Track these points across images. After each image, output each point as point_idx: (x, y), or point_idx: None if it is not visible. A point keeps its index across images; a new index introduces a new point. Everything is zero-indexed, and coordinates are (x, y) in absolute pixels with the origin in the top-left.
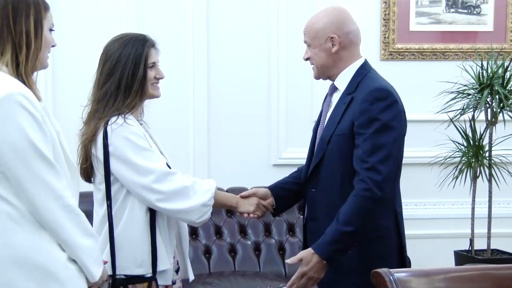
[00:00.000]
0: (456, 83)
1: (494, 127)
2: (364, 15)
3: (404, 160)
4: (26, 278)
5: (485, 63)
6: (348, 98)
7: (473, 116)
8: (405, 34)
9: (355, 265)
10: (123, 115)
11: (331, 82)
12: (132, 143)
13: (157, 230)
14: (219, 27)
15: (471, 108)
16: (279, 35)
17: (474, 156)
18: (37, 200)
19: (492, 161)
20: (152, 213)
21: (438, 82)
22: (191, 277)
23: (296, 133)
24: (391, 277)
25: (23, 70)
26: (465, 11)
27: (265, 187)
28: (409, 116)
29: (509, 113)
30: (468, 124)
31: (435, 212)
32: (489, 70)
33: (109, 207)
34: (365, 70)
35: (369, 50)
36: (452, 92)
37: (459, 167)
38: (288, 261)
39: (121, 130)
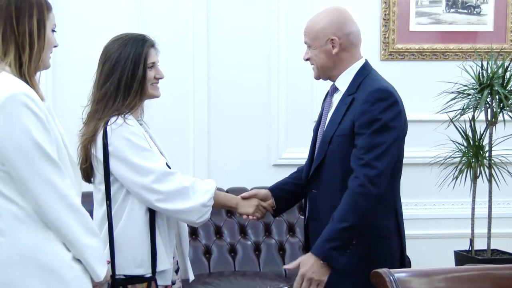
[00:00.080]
0: (456, 83)
1: (494, 127)
2: (364, 15)
3: (404, 160)
4: (31, 278)
5: (485, 63)
6: (349, 99)
7: (473, 116)
8: (405, 34)
9: (356, 266)
10: (123, 115)
11: (331, 82)
12: (131, 143)
13: (156, 230)
14: (219, 27)
15: (471, 108)
16: (279, 35)
17: (474, 156)
18: (42, 199)
19: (492, 161)
20: (152, 213)
21: (438, 82)
22: (191, 277)
23: (296, 133)
24: (391, 277)
25: (26, 70)
26: (465, 11)
27: (266, 188)
28: (409, 116)
29: (509, 113)
30: (468, 124)
31: (435, 212)
32: (489, 70)
33: (109, 207)
34: (366, 71)
35: (369, 50)
36: (452, 92)
37: (459, 167)
38: (286, 266)
39: (121, 130)
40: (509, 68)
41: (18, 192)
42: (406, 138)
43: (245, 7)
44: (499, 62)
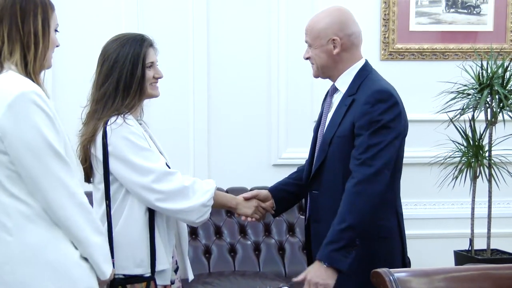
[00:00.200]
0: (456, 83)
1: (494, 127)
2: (364, 15)
3: (404, 160)
4: (40, 276)
5: (485, 63)
6: (349, 100)
7: (473, 116)
8: (405, 34)
9: (357, 266)
10: (122, 115)
11: (331, 82)
12: (131, 143)
13: (156, 230)
14: (219, 27)
15: (471, 108)
16: (279, 35)
17: (474, 156)
18: (52, 197)
19: (492, 161)
20: (151, 213)
21: (438, 82)
22: (191, 276)
23: (296, 133)
24: (391, 277)
25: (32, 70)
26: (465, 11)
27: (266, 188)
28: (409, 116)
29: (509, 113)
30: (468, 124)
31: (435, 212)
32: (489, 70)
33: (108, 206)
34: (366, 71)
35: (369, 50)
36: (452, 92)
37: (459, 167)
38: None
39: (121, 130)
40: (509, 68)
41: (27, 191)
42: (406, 138)
43: (245, 7)
44: (499, 62)
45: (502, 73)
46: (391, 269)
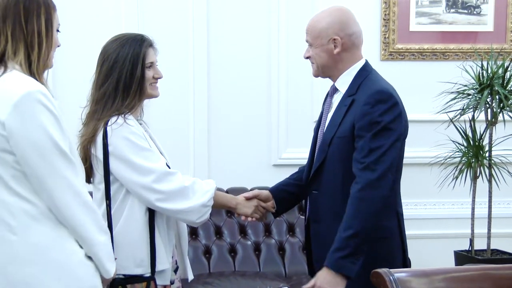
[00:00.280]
0: (456, 83)
1: (494, 127)
2: (364, 15)
3: (404, 160)
4: (45, 275)
5: (485, 63)
6: (349, 100)
7: (473, 116)
8: (405, 34)
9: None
10: (123, 115)
11: (331, 83)
12: (132, 143)
13: (156, 230)
14: (219, 27)
15: (471, 108)
16: (279, 35)
17: (474, 156)
18: (57, 196)
19: (492, 161)
20: (151, 213)
21: (438, 82)
22: (190, 276)
23: (296, 133)
24: (391, 277)
25: (36, 69)
26: (465, 11)
27: (266, 188)
28: (409, 116)
29: (509, 113)
30: (468, 124)
31: (435, 212)
32: (489, 70)
33: (108, 206)
34: (366, 71)
35: (369, 50)
36: (452, 92)
37: (459, 167)
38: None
39: (121, 130)
40: (509, 68)
41: (32, 191)
42: (407, 138)
43: (245, 7)
44: (499, 62)
45: (502, 73)
46: (391, 269)
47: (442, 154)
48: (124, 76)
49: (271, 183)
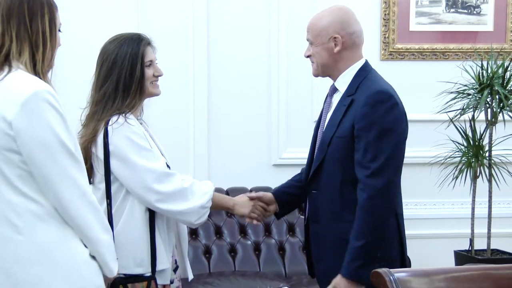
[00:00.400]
0: (456, 83)
1: (494, 127)
2: (364, 15)
3: (404, 160)
4: (51, 275)
5: (485, 63)
6: (348, 100)
7: (473, 116)
8: (405, 34)
9: None
10: (123, 115)
11: (331, 82)
12: (132, 142)
13: (156, 229)
14: (219, 27)
15: (471, 108)
16: (279, 35)
17: (474, 156)
18: (64, 196)
19: (492, 161)
20: (152, 213)
21: (438, 82)
22: (190, 276)
23: (296, 133)
24: (391, 277)
25: (40, 69)
26: (465, 11)
27: (267, 188)
28: (409, 116)
29: (509, 113)
30: (468, 124)
31: (435, 212)
32: (489, 70)
33: (109, 205)
34: (365, 71)
35: (369, 50)
36: (452, 92)
37: (459, 167)
38: None
39: (122, 129)
40: (509, 68)
41: (38, 190)
42: (407, 138)
43: (245, 7)
44: (499, 62)
45: (502, 73)
46: (391, 269)
47: (442, 154)
48: (124, 76)
49: (271, 183)
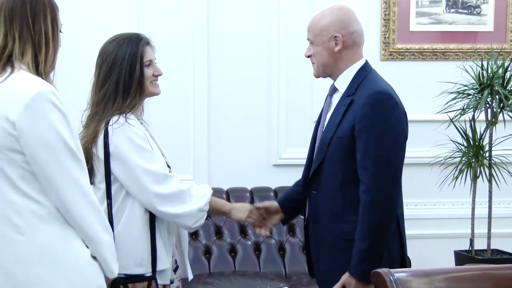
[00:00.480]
0: (456, 83)
1: (494, 127)
2: (364, 15)
3: (404, 160)
4: (52, 275)
5: (485, 63)
6: (347, 100)
7: (473, 116)
8: (405, 34)
9: None
10: (124, 115)
11: (331, 82)
12: (133, 143)
13: (156, 229)
14: (219, 27)
15: (471, 108)
16: (279, 35)
17: (474, 156)
18: (66, 196)
19: (492, 161)
20: (152, 213)
21: (438, 82)
22: (190, 276)
23: (296, 133)
24: (391, 277)
25: (43, 70)
26: (465, 11)
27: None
28: (409, 116)
29: (509, 113)
30: (468, 124)
31: (435, 212)
32: (489, 70)
33: (109, 205)
34: (365, 71)
35: (369, 50)
36: (452, 92)
37: (459, 167)
38: None
39: (122, 129)
40: (509, 68)
41: (40, 191)
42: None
43: (245, 7)
44: (499, 62)
45: (502, 73)
46: (391, 269)
47: (442, 154)
48: (124, 76)
49: (271, 183)
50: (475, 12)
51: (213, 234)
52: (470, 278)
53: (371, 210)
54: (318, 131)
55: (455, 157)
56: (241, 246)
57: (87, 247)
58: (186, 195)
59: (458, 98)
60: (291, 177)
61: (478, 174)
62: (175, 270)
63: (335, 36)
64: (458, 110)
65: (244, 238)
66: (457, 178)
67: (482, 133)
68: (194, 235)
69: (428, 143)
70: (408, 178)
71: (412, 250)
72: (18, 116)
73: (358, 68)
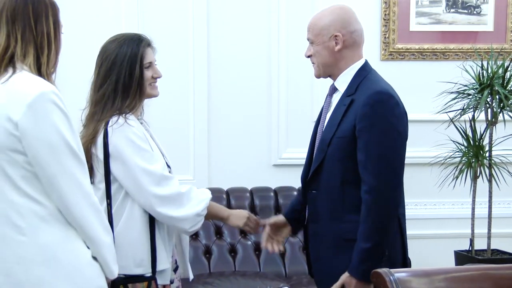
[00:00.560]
0: (456, 83)
1: (494, 127)
2: (364, 15)
3: (405, 160)
4: (54, 276)
5: (485, 63)
6: (347, 100)
7: (473, 116)
8: (405, 34)
9: None
10: (124, 115)
11: (331, 82)
12: (132, 143)
13: (156, 229)
14: (219, 27)
15: (471, 108)
16: (279, 35)
17: (474, 156)
18: (68, 197)
19: (492, 161)
20: None
21: (438, 82)
22: (191, 276)
23: (296, 133)
24: (391, 277)
25: (45, 71)
26: (465, 11)
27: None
28: (409, 116)
29: (509, 113)
30: (468, 124)
31: (435, 212)
32: (489, 70)
33: (109, 205)
34: (365, 71)
35: (369, 50)
36: (452, 92)
37: (459, 167)
38: None
39: (122, 130)
40: (509, 68)
41: (43, 191)
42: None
43: (245, 7)
44: (499, 62)
45: (502, 73)
46: (391, 269)
47: (442, 154)
48: (123, 76)
49: (271, 183)
50: (475, 12)
51: (213, 234)
52: (470, 278)
53: (373, 210)
54: (318, 130)
55: (455, 157)
56: (241, 246)
57: (88, 248)
58: (184, 197)
59: (458, 98)
60: (291, 177)
61: (478, 174)
62: (175, 270)
63: (336, 35)
64: (458, 110)
65: (244, 238)
66: (457, 178)
67: (482, 133)
68: (194, 235)
69: (428, 143)
70: (408, 178)
71: (413, 250)
72: (21, 116)
73: (358, 68)
